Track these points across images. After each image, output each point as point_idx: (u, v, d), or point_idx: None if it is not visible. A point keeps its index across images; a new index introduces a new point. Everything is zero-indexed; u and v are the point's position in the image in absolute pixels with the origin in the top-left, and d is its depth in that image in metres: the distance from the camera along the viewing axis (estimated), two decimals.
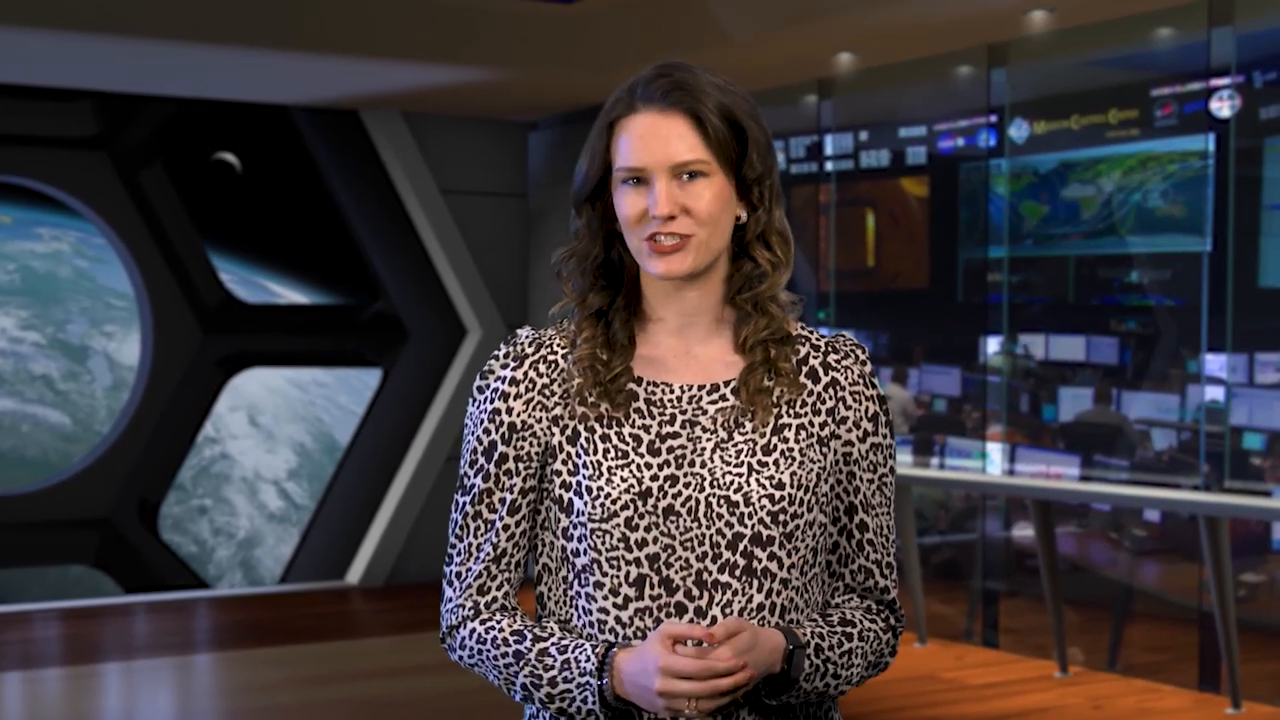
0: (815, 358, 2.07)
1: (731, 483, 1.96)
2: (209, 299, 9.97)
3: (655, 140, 1.96)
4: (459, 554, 2.05)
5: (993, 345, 8.27)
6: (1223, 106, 7.01)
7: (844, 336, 2.11)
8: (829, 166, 9.03)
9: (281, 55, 8.14)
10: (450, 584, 2.05)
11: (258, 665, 8.03)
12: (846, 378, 2.06)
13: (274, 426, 10.95)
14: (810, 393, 2.04)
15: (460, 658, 2.05)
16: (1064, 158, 7.89)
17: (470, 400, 2.08)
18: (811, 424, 2.03)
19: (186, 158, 9.88)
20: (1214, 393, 7.16)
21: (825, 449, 2.02)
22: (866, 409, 2.07)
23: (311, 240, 10.34)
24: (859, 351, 2.09)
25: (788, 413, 2.02)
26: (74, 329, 10.66)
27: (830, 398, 2.05)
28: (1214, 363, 7.15)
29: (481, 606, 2.03)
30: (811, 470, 2.00)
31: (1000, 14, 7.24)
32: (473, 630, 2.02)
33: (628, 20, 7.63)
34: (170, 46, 7.83)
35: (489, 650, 2.00)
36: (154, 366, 9.83)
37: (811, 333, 2.10)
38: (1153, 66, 7.53)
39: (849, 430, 2.05)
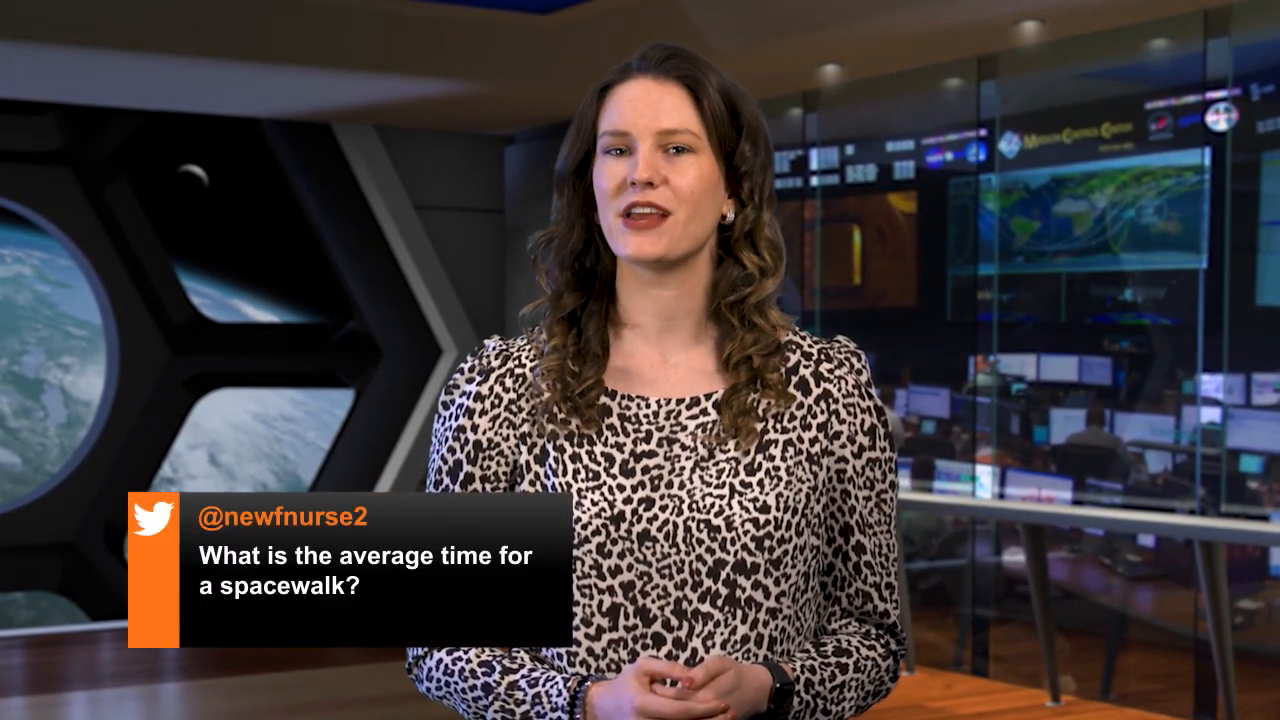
0: (806, 367, 1.94)
1: (712, 505, 1.87)
2: (177, 317, 9.95)
3: (644, 104, 1.88)
4: None
5: (982, 365, 8.20)
6: (1219, 120, 7.04)
7: (839, 341, 1.99)
8: (814, 181, 9.09)
9: (252, 67, 8.19)
10: None
11: (228, 694, 8.06)
12: (840, 389, 1.94)
13: (235, 466, 10.74)
14: (800, 405, 1.92)
15: (427, 689, 1.96)
16: (1056, 172, 7.93)
17: (436, 417, 2.01)
18: (801, 440, 1.91)
19: (153, 173, 9.86)
20: (1210, 414, 7.19)
21: (816, 466, 1.91)
22: (862, 422, 1.95)
23: (282, 257, 10.36)
24: (854, 359, 1.97)
25: (774, 428, 1.90)
26: (30, 360, 10.45)
27: (822, 411, 1.93)
28: (1210, 383, 7.17)
29: None
30: (800, 490, 1.88)
31: (990, 25, 7.25)
32: (439, 660, 1.93)
33: (607, 31, 7.65)
34: (137, 58, 7.86)
35: (456, 682, 1.91)
36: (120, 387, 9.79)
37: (804, 338, 1.98)
38: (1147, 79, 7.58)
39: (843, 446, 1.94)
